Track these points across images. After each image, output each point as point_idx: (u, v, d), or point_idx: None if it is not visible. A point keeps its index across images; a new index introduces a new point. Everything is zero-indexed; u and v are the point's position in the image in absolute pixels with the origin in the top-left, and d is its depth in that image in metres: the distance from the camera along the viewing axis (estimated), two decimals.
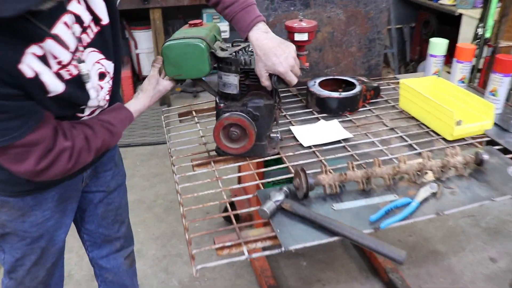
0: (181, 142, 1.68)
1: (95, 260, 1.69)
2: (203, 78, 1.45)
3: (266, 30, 1.34)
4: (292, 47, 1.34)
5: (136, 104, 1.37)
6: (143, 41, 4.47)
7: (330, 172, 1.39)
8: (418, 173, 1.36)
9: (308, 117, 1.82)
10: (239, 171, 2.02)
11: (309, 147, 1.60)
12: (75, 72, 1.10)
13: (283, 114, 1.85)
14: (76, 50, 1.10)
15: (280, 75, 1.33)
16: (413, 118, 1.78)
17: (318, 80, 1.91)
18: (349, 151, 1.56)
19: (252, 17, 1.33)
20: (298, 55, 1.44)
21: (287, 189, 1.29)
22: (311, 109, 1.88)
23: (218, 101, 1.47)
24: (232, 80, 1.43)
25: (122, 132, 1.28)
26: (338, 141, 1.63)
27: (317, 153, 1.56)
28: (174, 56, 1.38)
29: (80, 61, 1.11)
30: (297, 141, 1.64)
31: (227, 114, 1.41)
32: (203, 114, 1.92)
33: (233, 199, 1.43)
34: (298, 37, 1.43)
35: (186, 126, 1.88)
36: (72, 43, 1.08)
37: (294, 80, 1.35)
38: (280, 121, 1.76)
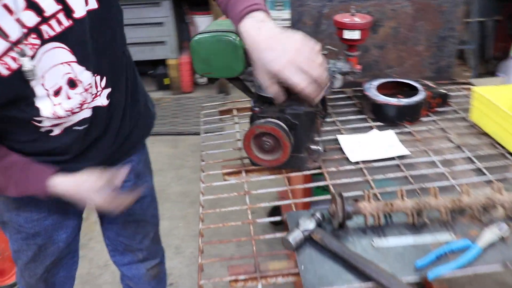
0: (215, 145, 1.53)
1: (117, 265, 1.60)
2: (241, 77, 1.29)
3: (263, 19, 1.01)
4: (299, 37, 0.99)
5: (63, 183, 1.14)
6: (203, 26, 4.38)
7: (376, 196, 1.19)
8: (485, 208, 1.11)
9: (361, 125, 1.60)
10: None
11: (357, 162, 1.39)
12: (14, 66, 0.94)
13: (332, 119, 1.64)
14: (21, 41, 0.93)
15: (277, 75, 1.00)
16: (486, 134, 1.50)
17: (375, 83, 1.67)
18: (403, 171, 1.33)
19: (245, 4, 1.01)
20: (348, 56, 1.24)
21: (320, 215, 1.10)
22: (365, 116, 1.65)
23: (253, 104, 1.30)
24: None
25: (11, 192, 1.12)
26: (392, 158, 1.40)
27: (365, 171, 1.34)
28: (204, 52, 1.23)
29: (24, 54, 0.94)
30: (344, 153, 1.43)
31: (260, 121, 1.24)
32: (245, 113, 1.76)
33: (278, 203, 1.27)
34: (347, 34, 1.22)
35: (224, 126, 1.73)
36: (13, 31, 0.92)
37: (298, 82, 1.00)
38: (327, 128, 1.56)
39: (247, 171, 1.38)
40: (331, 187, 1.27)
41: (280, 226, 2.66)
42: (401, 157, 1.40)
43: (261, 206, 1.29)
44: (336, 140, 1.51)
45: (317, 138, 1.36)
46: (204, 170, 1.46)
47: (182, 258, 2.43)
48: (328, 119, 1.64)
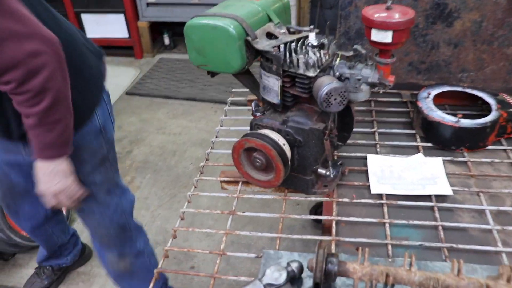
0: (224, 144, 1.32)
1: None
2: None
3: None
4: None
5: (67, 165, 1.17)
6: None
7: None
8: None
9: (405, 143, 1.28)
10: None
11: (379, 195, 1.10)
12: None
13: (372, 130, 1.34)
14: None
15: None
16: None
17: (435, 91, 1.33)
18: (435, 219, 1.02)
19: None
20: (377, 63, 0.94)
21: (297, 268, 0.86)
22: (414, 131, 1.32)
23: (254, 108, 1.06)
24: (272, 84, 0.99)
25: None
26: (427, 197, 1.09)
27: (385, 209, 1.05)
28: (197, 40, 1.00)
29: None
30: (368, 180, 1.14)
31: (252, 133, 1.00)
32: None
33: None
34: (376, 36, 0.90)
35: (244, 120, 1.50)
36: None
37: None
38: (359, 141, 1.27)
39: (244, 182, 1.16)
40: (336, 231, 1.01)
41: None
42: (439, 198, 1.08)
43: (238, 234, 1.07)
44: (365, 159, 1.21)
45: (328, 161, 1.08)
46: (203, 170, 1.26)
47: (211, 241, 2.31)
48: (365, 129, 1.33)
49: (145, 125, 3.36)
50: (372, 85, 0.96)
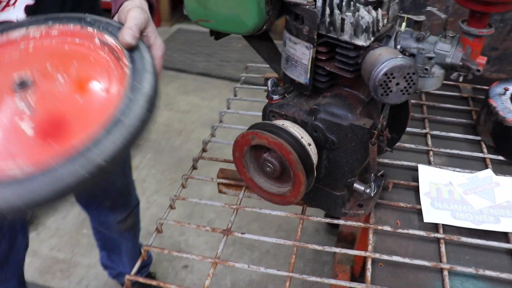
0: (231, 133, 1.01)
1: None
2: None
3: None
4: None
5: None
6: None
7: None
8: None
9: (467, 153, 0.96)
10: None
11: (434, 226, 0.78)
12: None
13: (423, 131, 1.02)
14: None
15: None
16: None
17: None
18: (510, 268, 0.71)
19: None
20: (465, 34, 0.62)
21: None
22: (479, 138, 1.00)
23: (270, 87, 0.75)
24: (300, 55, 0.68)
25: None
26: (503, 234, 0.77)
27: (442, 248, 0.74)
28: None
29: None
30: (418, 201, 0.83)
31: (261, 125, 0.69)
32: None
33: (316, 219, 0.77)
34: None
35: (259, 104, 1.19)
36: None
37: None
38: (405, 144, 0.96)
39: (248, 188, 0.86)
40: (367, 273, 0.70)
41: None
42: None
43: (228, 265, 0.77)
44: (415, 170, 0.90)
45: (367, 173, 0.77)
46: (197, 166, 0.96)
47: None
48: (414, 129, 1.01)
49: None
50: (450, 68, 0.64)
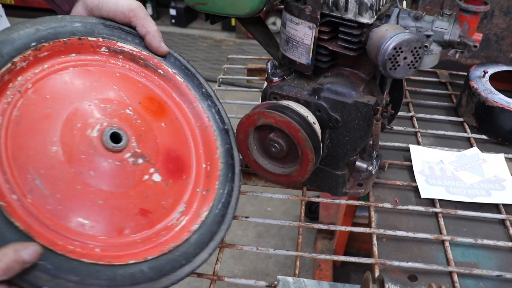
0: None
1: None
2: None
3: None
4: None
5: None
6: None
7: None
8: None
9: (452, 133, 0.99)
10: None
11: (431, 201, 0.81)
12: None
13: (409, 114, 1.05)
14: None
15: None
16: None
17: (492, 70, 1.04)
18: (510, 239, 0.74)
19: None
20: (463, 11, 0.64)
21: None
22: (462, 119, 1.04)
23: (270, 70, 0.75)
24: (302, 36, 0.69)
25: None
26: (494, 206, 0.81)
27: (441, 222, 0.77)
28: None
29: None
30: (414, 179, 0.85)
31: (267, 105, 0.69)
32: None
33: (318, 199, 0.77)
34: None
35: (247, 93, 1.19)
36: None
37: None
38: (396, 127, 0.98)
39: (245, 174, 0.85)
40: (376, 266, 0.71)
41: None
42: (509, 208, 0.80)
43: (235, 249, 0.77)
44: (406, 150, 0.93)
45: (366, 151, 0.79)
46: None
47: None
48: (400, 112, 1.05)
49: None
50: (448, 45, 0.66)
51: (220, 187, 0.68)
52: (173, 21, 4.38)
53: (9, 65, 0.55)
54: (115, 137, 0.60)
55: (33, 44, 0.58)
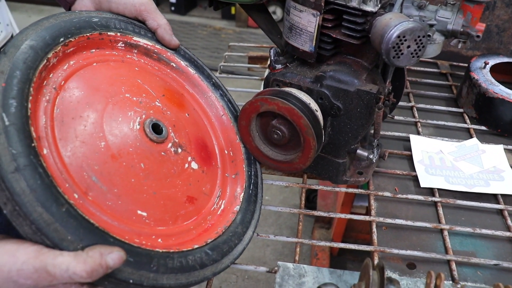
0: None
1: None
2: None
3: None
4: None
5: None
6: None
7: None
8: None
9: (452, 124, 1.00)
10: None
11: (430, 190, 0.82)
12: None
13: (409, 104, 1.05)
14: None
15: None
16: None
17: (493, 61, 1.05)
18: (509, 230, 0.75)
19: None
20: (466, 2, 0.64)
21: None
22: (462, 110, 1.05)
23: (273, 57, 0.75)
24: (306, 23, 0.69)
25: None
26: (492, 196, 0.81)
27: (440, 211, 0.77)
28: None
29: None
30: (413, 168, 0.86)
31: (272, 91, 0.69)
32: None
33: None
34: None
35: (246, 81, 1.19)
36: None
37: None
38: (397, 117, 0.99)
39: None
40: (376, 256, 0.72)
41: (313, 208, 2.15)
42: (507, 198, 0.81)
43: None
44: (406, 140, 0.93)
45: (367, 140, 0.79)
46: None
47: None
48: (400, 102, 1.05)
49: None
50: (451, 34, 0.67)
51: (247, 169, 0.72)
52: (172, 8, 4.35)
53: (44, 61, 0.54)
54: (156, 129, 0.61)
55: (62, 39, 0.57)
